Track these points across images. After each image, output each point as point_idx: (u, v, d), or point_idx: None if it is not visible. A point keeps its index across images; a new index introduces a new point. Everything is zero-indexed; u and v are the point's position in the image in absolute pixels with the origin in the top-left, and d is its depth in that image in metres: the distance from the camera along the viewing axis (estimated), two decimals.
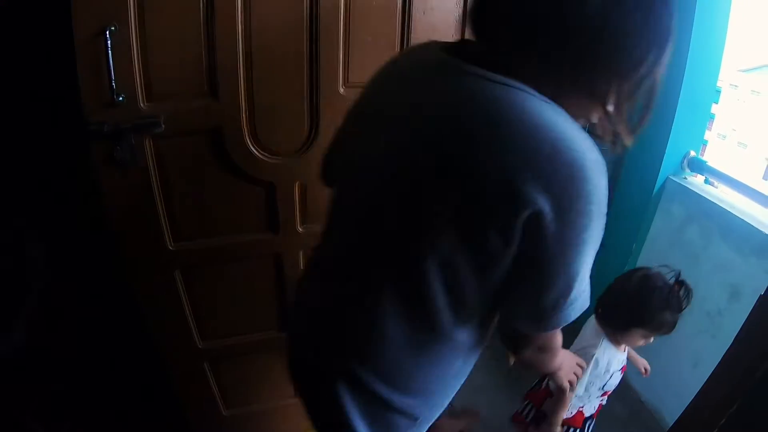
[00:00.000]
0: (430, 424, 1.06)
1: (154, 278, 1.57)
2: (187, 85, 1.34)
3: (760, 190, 2.04)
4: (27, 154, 1.50)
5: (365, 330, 0.92)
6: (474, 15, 0.81)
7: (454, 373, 1.01)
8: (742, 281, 1.95)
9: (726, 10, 2.09)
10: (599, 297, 1.68)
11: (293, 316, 1.19)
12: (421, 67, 0.87)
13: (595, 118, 0.82)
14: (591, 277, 0.85)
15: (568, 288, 0.77)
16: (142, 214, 1.45)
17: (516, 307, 0.86)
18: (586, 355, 1.65)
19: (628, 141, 0.80)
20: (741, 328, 0.93)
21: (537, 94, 0.74)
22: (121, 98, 1.25)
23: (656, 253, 2.39)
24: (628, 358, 1.83)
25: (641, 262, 2.47)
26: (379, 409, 0.97)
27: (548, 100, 0.75)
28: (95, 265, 1.67)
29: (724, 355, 0.98)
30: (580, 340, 1.78)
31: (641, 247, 2.47)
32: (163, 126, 1.33)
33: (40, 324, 2.17)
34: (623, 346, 1.76)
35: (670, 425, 1.51)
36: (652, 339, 1.68)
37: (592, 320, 1.77)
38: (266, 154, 1.48)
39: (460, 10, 1.53)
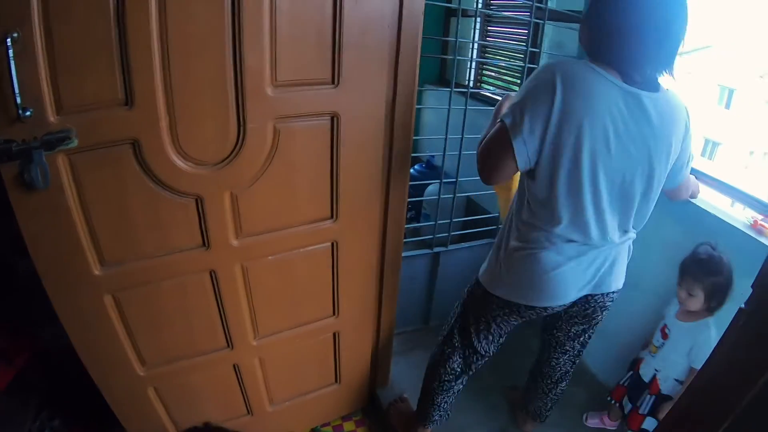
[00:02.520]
0: None
1: (82, 306, 1.46)
2: (99, 94, 1.22)
3: (705, 172, 2.09)
4: None
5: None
6: (638, 65, 1.34)
7: None
8: None
9: None
10: None
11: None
12: (612, 87, 1.33)
13: None
14: None
15: None
16: (62, 239, 1.33)
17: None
18: None
19: None
20: (717, 347, 0.87)
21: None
22: (28, 113, 1.13)
23: None
24: None
25: None
26: None
27: None
28: None
29: (698, 374, 0.92)
30: None
31: None
32: (76, 140, 1.22)
33: None
34: None
35: None
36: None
37: None
38: (191, 165, 1.39)
39: (396, 1, 1.49)
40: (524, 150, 1.36)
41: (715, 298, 1.84)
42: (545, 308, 1.63)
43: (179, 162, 1.37)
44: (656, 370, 2.06)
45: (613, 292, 1.67)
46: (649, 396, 2.08)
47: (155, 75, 1.24)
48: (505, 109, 1.42)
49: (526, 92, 1.36)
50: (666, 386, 2.03)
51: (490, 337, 1.80)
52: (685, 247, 1.98)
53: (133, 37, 1.18)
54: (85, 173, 1.29)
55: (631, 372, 2.21)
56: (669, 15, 1.30)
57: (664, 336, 2.04)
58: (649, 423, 2.07)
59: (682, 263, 1.93)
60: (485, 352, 1.85)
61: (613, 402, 2.26)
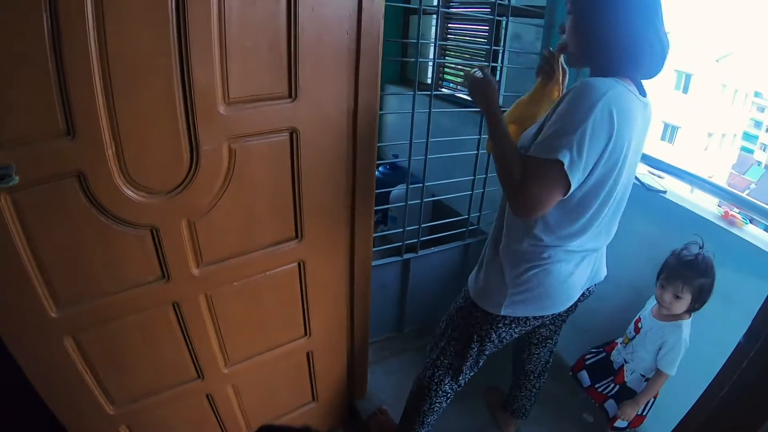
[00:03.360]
0: None
1: (41, 351, 1.36)
2: (38, 125, 1.12)
3: (674, 165, 2.12)
4: None
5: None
6: (644, 71, 1.39)
7: None
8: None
9: None
10: None
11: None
12: (638, 103, 1.37)
13: None
14: None
15: None
16: (12, 283, 1.24)
17: None
18: None
19: None
20: (710, 389, 0.82)
21: None
22: None
23: None
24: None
25: None
26: None
27: None
28: None
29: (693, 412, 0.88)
30: None
31: None
32: (17, 177, 1.12)
33: None
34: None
35: None
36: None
37: None
38: (143, 194, 1.30)
39: (355, 4, 1.43)
40: (577, 182, 1.32)
41: (700, 299, 1.83)
42: (553, 313, 1.67)
43: (130, 192, 1.28)
44: (625, 360, 2.08)
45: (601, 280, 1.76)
46: (613, 384, 2.11)
47: (97, 100, 1.15)
48: (555, 144, 1.29)
49: (583, 126, 1.25)
50: (631, 379, 2.05)
51: (487, 352, 1.78)
52: (657, 239, 2.00)
53: (70, 61, 1.09)
54: (31, 211, 1.19)
55: (603, 351, 2.23)
56: (659, 14, 1.34)
57: (636, 330, 2.05)
58: (610, 405, 2.11)
59: (668, 265, 1.90)
60: (478, 366, 1.85)
61: (571, 375, 2.30)
